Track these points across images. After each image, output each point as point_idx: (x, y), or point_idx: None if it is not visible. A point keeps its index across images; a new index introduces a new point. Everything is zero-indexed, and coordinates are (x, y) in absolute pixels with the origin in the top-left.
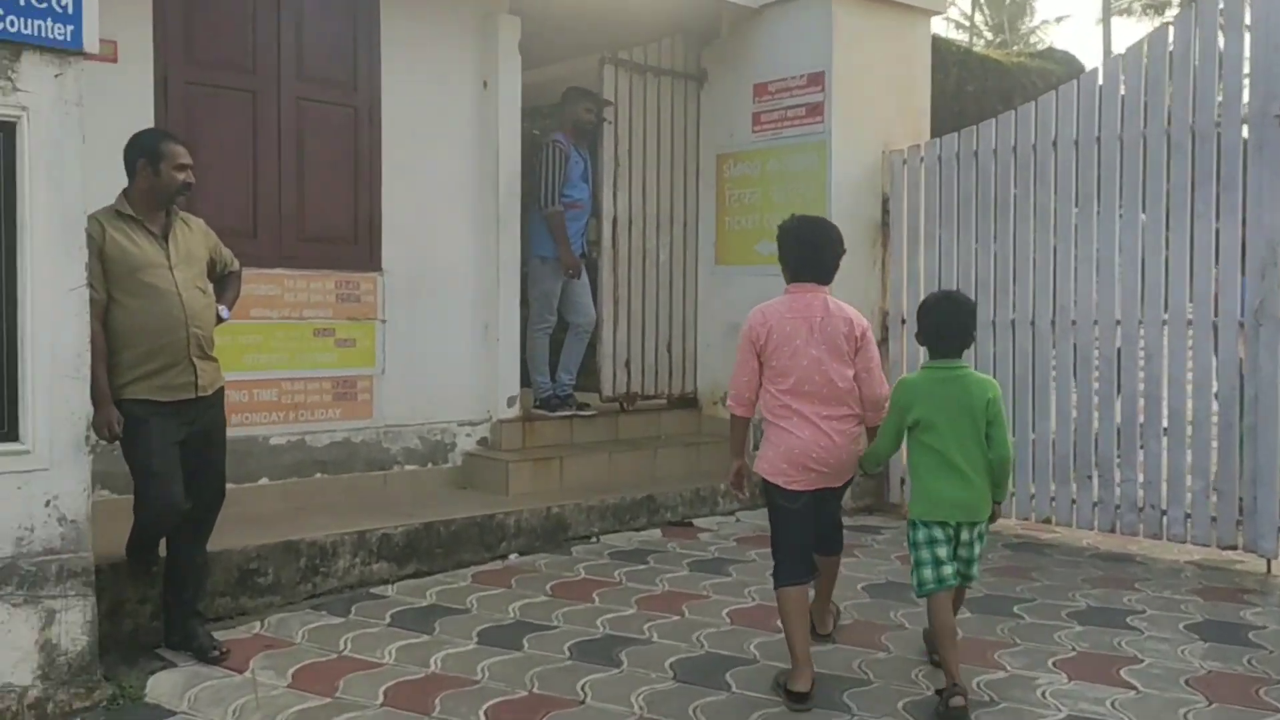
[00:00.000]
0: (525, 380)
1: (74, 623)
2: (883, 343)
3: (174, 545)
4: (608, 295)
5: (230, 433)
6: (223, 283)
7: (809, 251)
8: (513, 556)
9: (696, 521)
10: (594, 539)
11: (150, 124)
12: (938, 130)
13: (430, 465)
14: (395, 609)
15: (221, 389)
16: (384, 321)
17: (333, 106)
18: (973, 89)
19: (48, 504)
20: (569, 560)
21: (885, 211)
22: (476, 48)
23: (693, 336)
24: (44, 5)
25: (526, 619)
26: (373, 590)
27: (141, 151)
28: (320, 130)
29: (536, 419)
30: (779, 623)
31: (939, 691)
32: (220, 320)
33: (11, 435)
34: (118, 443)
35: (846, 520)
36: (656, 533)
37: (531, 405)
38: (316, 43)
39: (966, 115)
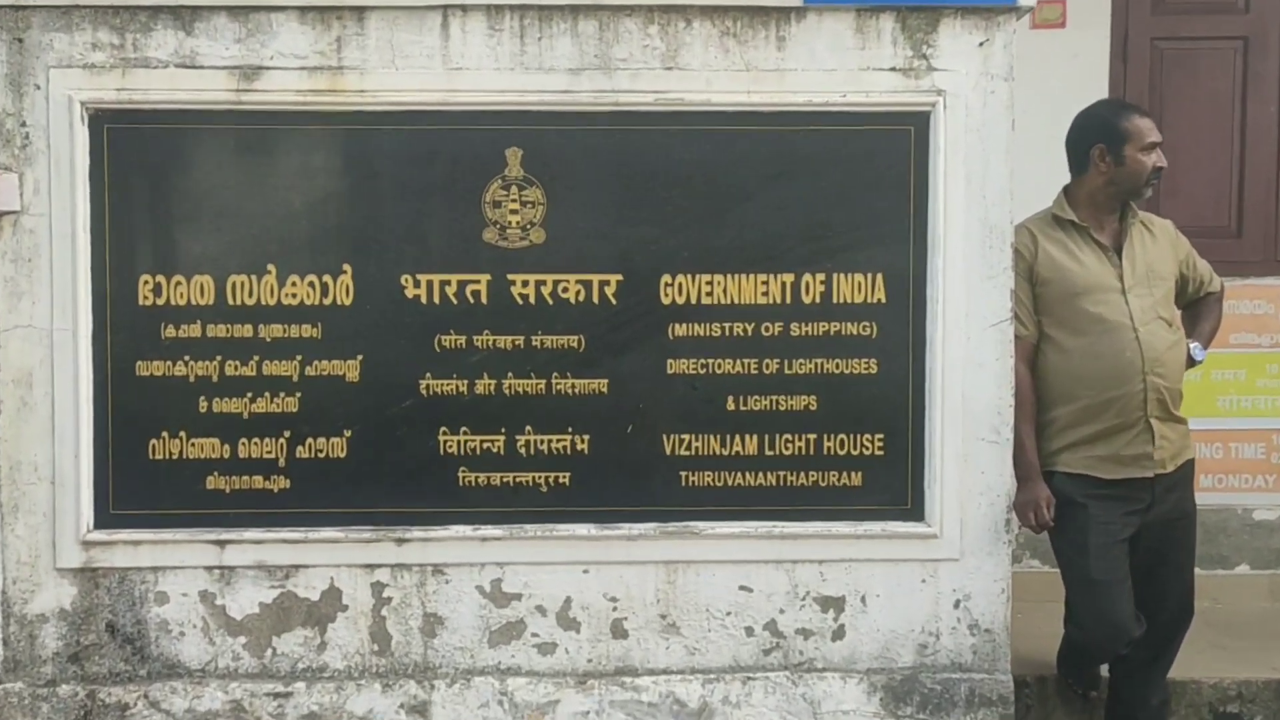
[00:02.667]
0: None
1: None
2: None
3: (1120, 670)
4: None
5: (1199, 499)
6: (1195, 309)
7: None
8: None
9: None
10: None
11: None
12: None
13: None
14: None
15: (1190, 463)
16: None
17: None
18: None
19: (957, 605)
20: None
21: None
22: None
23: None
24: None
25: None
26: None
27: (1097, 133)
28: None
29: None
30: None
31: None
32: (1193, 363)
33: (916, 513)
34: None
35: None
36: None
37: None
38: None
39: None
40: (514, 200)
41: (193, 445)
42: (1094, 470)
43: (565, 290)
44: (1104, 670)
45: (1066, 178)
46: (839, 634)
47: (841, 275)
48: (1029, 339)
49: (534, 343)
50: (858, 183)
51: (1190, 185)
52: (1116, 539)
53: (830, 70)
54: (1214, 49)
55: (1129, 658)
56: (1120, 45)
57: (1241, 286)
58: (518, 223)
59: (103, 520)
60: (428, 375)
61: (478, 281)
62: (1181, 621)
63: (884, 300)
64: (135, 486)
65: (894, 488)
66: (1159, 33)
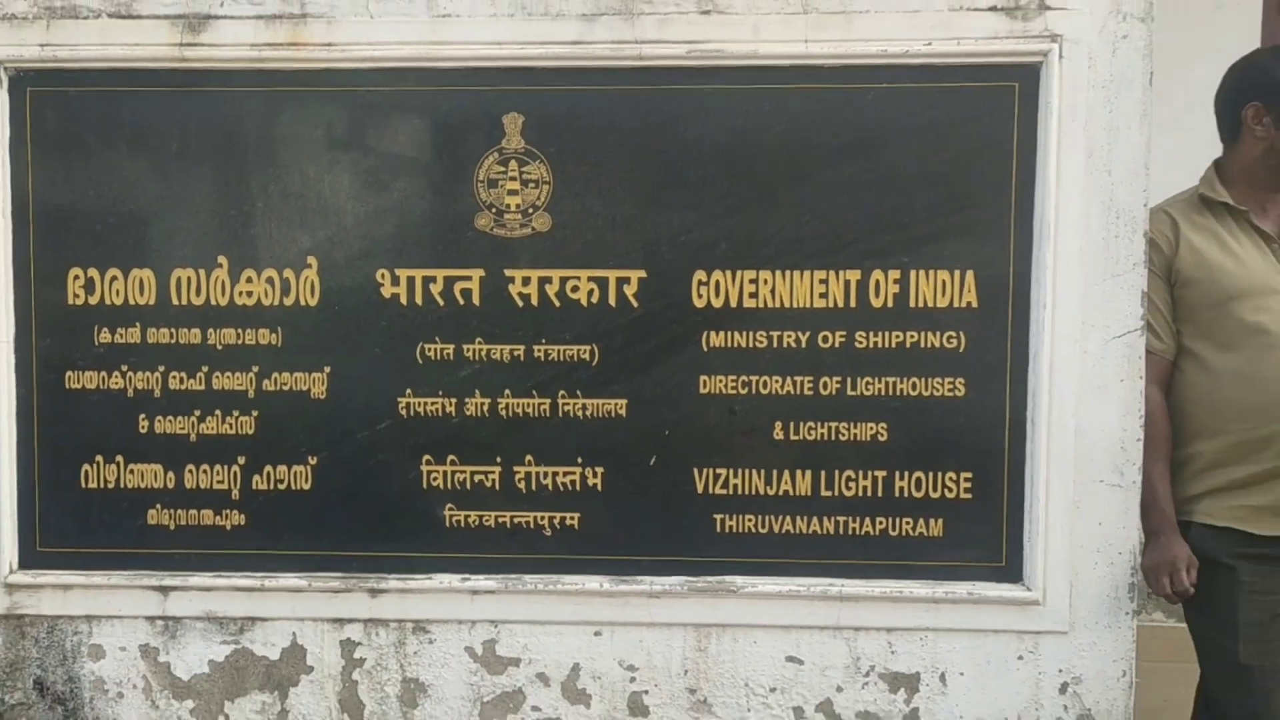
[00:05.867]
0: None
1: None
2: None
3: None
4: None
5: None
6: None
7: None
8: None
9: None
10: None
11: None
12: None
13: None
14: None
15: None
16: None
17: None
18: None
19: (1063, 690)
20: None
21: None
22: None
23: None
24: None
25: None
26: None
27: (1253, 88)
28: None
29: None
30: None
31: None
32: None
33: (1012, 573)
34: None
35: None
36: None
37: None
38: None
39: None
40: (513, 178)
41: (131, 472)
42: (1245, 524)
43: (575, 289)
44: None
45: (1215, 152)
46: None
47: (921, 272)
48: (1165, 355)
49: (537, 354)
50: (944, 156)
51: None
52: (1274, 614)
53: (912, 11)
54: None
55: None
56: None
57: None
58: (518, 205)
59: (28, 559)
60: (408, 392)
61: (469, 278)
62: None
63: (975, 304)
64: (65, 520)
65: (985, 540)
66: None
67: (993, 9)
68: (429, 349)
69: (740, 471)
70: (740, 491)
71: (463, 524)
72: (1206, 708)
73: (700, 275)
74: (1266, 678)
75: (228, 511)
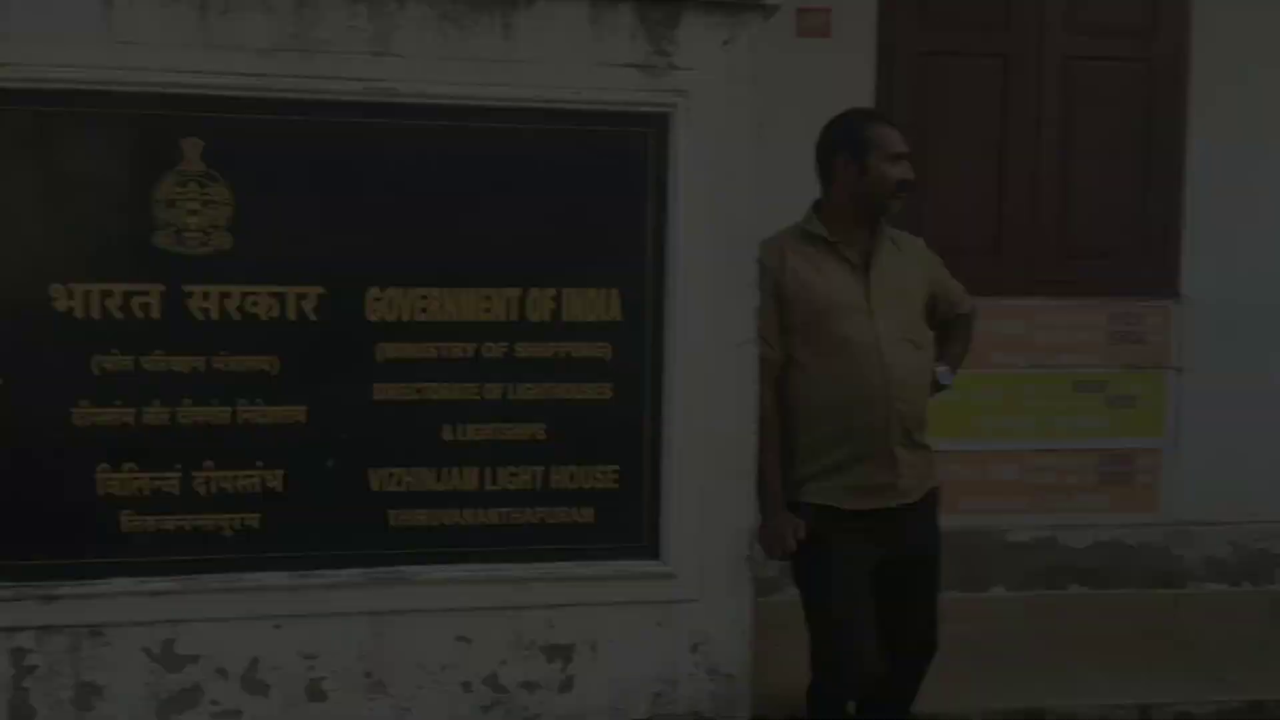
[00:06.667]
0: None
1: None
2: None
3: (867, 711)
4: None
5: (957, 521)
6: (945, 331)
7: None
8: None
9: None
10: None
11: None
12: None
13: (1247, 586)
14: None
15: (934, 493)
16: (1179, 371)
17: (1115, 64)
18: None
19: (695, 649)
20: None
21: None
22: None
23: None
24: None
25: None
26: None
27: (842, 143)
28: (1096, 99)
29: None
30: None
31: None
32: (939, 388)
33: (652, 551)
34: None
35: None
36: None
37: None
38: None
39: None
40: (194, 198)
41: None
42: (837, 501)
43: (255, 304)
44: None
45: None
46: (566, 685)
47: (573, 291)
48: (775, 361)
49: (217, 365)
50: (593, 189)
51: (951, 202)
52: (860, 574)
53: (564, 64)
54: (977, 64)
55: (874, 697)
56: (885, 58)
57: (1001, 307)
58: (198, 225)
59: None
60: (83, 403)
61: (147, 293)
62: (925, 655)
63: (620, 319)
64: None
65: (629, 524)
66: (924, 47)
67: (630, 65)
68: (106, 361)
69: (412, 470)
70: (412, 488)
71: (141, 529)
72: (813, 657)
73: (374, 291)
74: (853, 628)
75: None
